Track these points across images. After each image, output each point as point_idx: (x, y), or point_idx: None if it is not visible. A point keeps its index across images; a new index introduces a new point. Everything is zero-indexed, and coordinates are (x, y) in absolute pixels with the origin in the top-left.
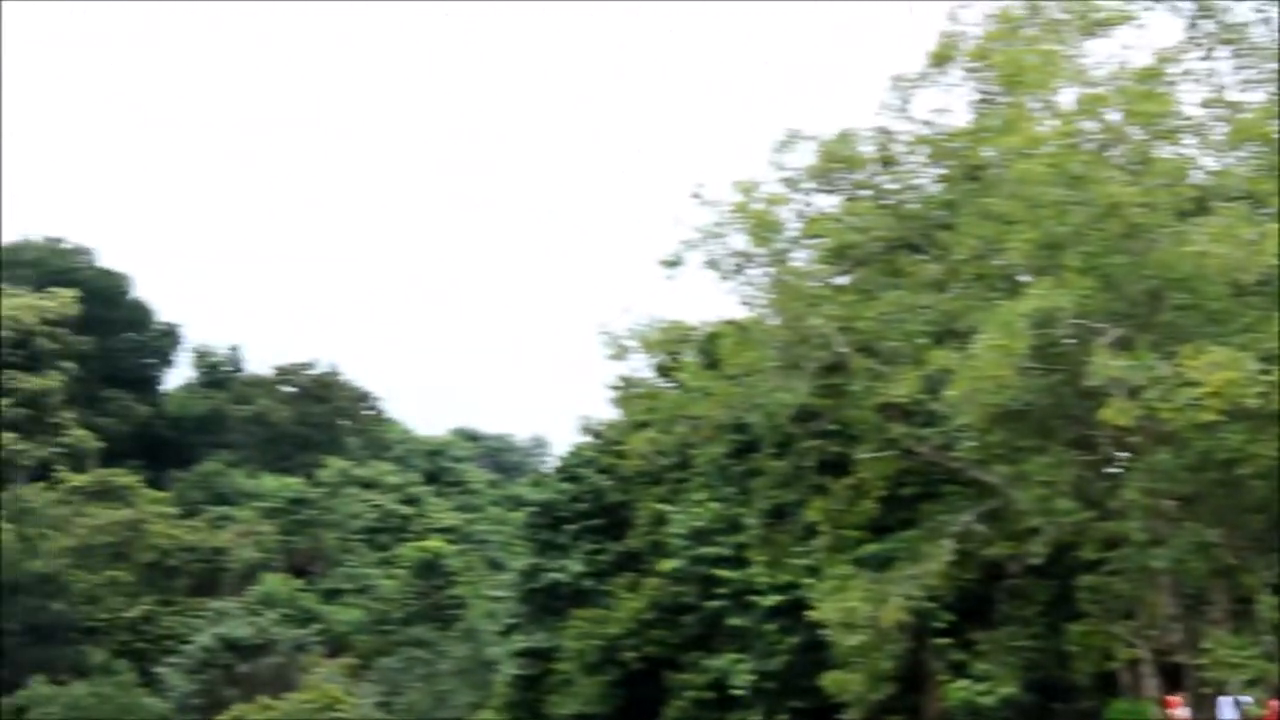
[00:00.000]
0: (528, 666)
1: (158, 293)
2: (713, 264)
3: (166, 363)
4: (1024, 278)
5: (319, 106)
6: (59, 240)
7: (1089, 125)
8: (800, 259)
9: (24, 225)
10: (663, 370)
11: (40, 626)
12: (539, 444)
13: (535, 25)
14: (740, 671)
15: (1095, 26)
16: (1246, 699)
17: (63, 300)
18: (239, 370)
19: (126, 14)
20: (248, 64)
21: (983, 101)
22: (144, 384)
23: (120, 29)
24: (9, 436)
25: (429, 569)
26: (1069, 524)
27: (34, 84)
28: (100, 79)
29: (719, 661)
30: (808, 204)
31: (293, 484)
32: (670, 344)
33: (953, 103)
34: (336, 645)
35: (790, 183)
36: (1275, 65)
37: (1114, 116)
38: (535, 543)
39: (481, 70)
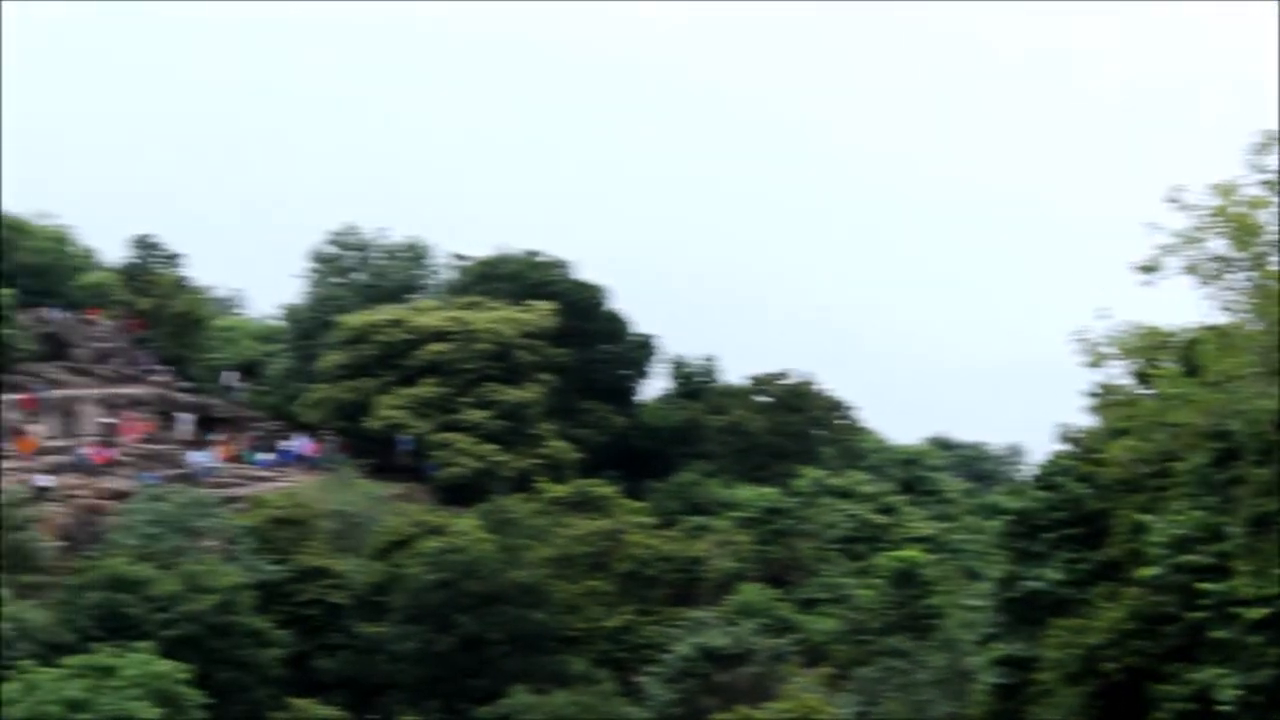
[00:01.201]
0: (1006, 676)
1: (633, 305)
2: (1191, 269)
3: (642, 374)
4: None
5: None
6: (537, 254)
7: None
8: None
9: (502, 239)
10: (1141, 377)
11: (522, 636)
12: (1014, 452)
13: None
14: (1225, 685)
15: None
16: None
17: (541, 313)
18: (714, 381)
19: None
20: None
21: None
22: (621, 395)
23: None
24: (490, 448)
25: (906, 578)
26: None
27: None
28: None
29: (1202, 674)
30: None
31: (768, 494)
32: (1148, 350)
33: None
34: (814, 655)
35: (1270, 185)
36: None
37: None
38: (1012, 551)
39: (941, 70)
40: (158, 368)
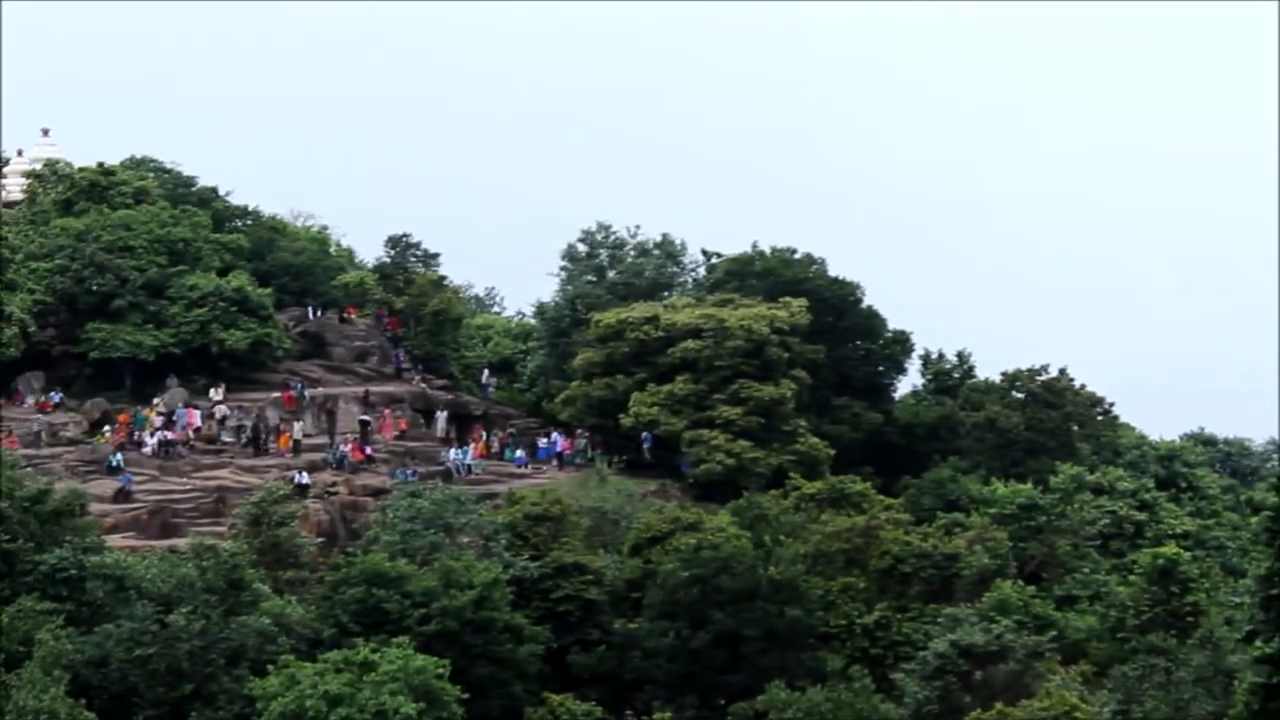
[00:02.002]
0: (1270, 675)
1: (887, 301)
2: None
3: (897, 370)
4: None
5: None
6: (790, 251)
7: None
8: None
9: (755, 236)
10: None
11: (777, 632)
12: (1277, 448)
13: None
14: None
15: None
16: None
17: (794, 310)
18: (969, 377)
19: None
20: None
21: None
22: (874, 392)
23: None
24: (744, 445)
25: (1165, 575)
26: None
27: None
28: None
29: None
30: None
31: (1024, 490)
32: None
33: None
34: (1071, 652)
35: None
36: None
37: None
38: (1274, 548)
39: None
40: (414, 366)
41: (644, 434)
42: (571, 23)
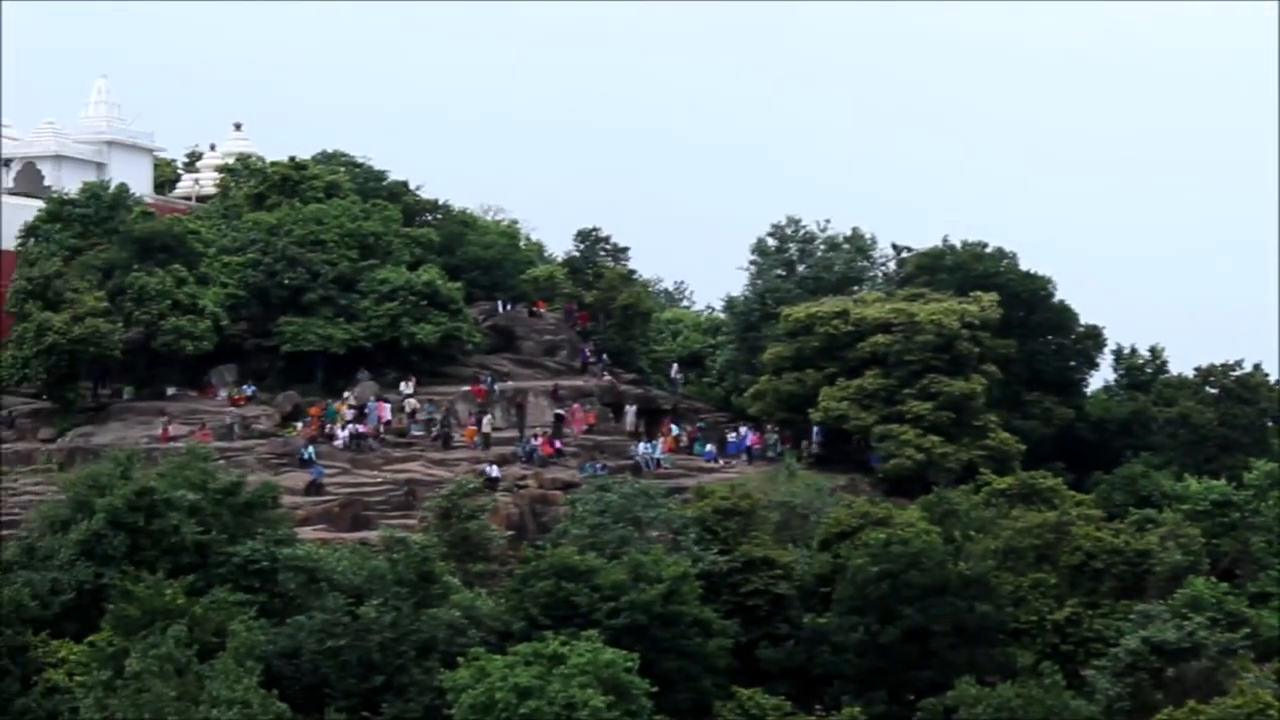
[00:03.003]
0: None
1: (1079, 295)
2: None
3: (1089, 365)
4: None
5: None
6: (980, 245)
7: None
8: None
9: (945, 230)
10: None
11: (967, 628)
12: None
13: None
14: None
15: None
16: None
17: (984, 304)
18: (1161, 371)
19: None
20: None
21: None
22: (1066, 387)
23: None
24: (934, 440)
25: None
26: None
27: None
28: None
29: None
30: None
31: (1218, 486)
32: None
33: None
34: (1265, 650)
35: None
36: None
37: None
38: None
39: None
40: (603, 360)
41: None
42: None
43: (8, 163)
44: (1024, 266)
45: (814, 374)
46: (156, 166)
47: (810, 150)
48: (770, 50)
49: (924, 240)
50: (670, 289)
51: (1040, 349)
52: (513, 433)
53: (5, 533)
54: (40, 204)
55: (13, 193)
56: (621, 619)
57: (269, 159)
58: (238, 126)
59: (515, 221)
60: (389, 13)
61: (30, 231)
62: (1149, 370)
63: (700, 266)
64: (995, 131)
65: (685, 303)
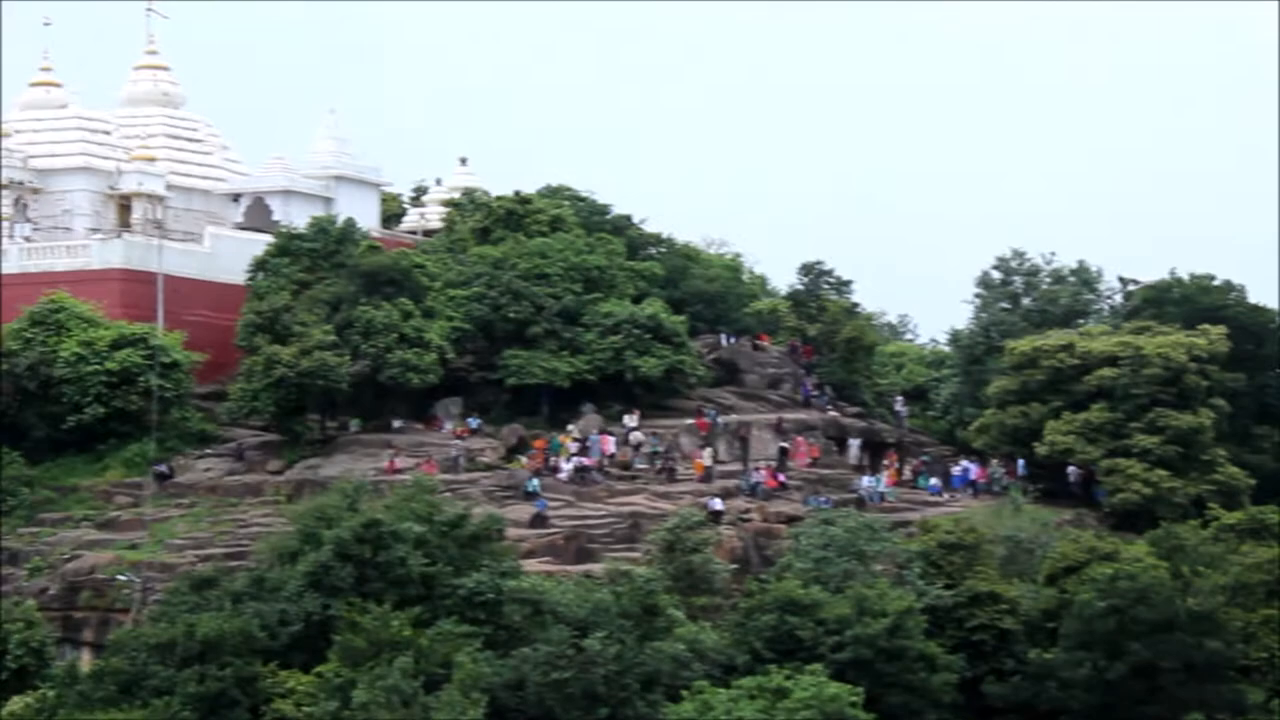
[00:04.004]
0: None
1: None
2: None
3: None
4: None
5: None
6: (1208, 277)
7: None
8: None
9: (1172, 262)
10: None
11: (1196, 664)
12: None
13: None
14: None
15: None
16: None
17: (1212, 337)
18: None
19: None
20: None
21: None
22: None
23: None
24: (1161, 474)
25: None
26: None
27: None
28: None
29: None
30: None
31: None
32: None
33: None
34: None
35: None
36: None
37: None
38: None
39: None
40: (826, 393)
41: (1070, 467)
42: (988, 50)
43: (237, 198)
44: (1252, 299)
45: (1039, 407)
46: (383, 201)
47: (1034, 182)
48: (994, 84)
49: (1151, 273)
50: (894, 322)
51: (1269, 382)
52: (736, 466)
53: (234, 564)
54: (269, 239)
55: (242, 227)
56: (846, 653)
57: (494, 193)
58: (463, 161)
59: (739, 255)
60: (615, 48)
61: (259, 266)
62: None
63: (924, 300)
64: (1219, 164)
65: (909, 336)
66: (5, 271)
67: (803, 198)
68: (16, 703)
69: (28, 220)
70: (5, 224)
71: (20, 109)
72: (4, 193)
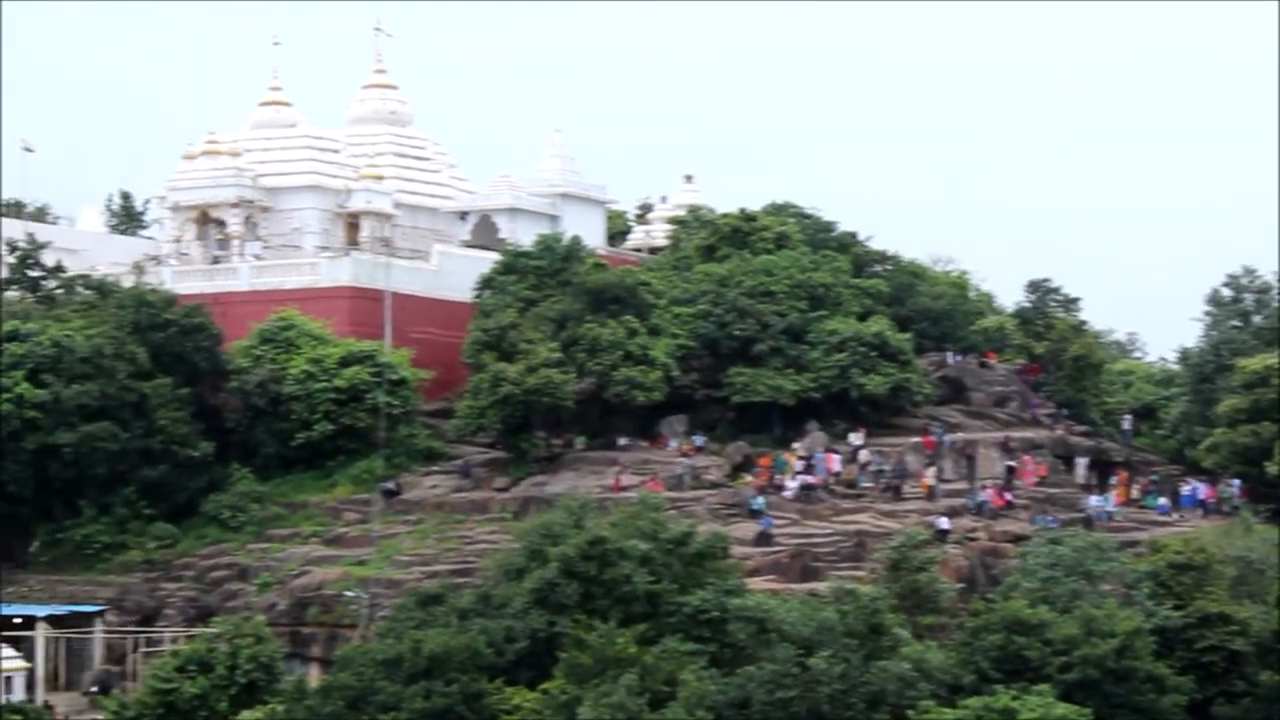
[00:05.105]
0: None
1: None
2: None
3: None
4: None
5: None
6: None
7: None
8: None
9: None
10: None
11: None
12: None
13: None
14: None
15: None
16: None
17: None
18: None
19: None
20: None
21: None
22: None
23: None
24: None
25: None
26: None
27: None
28: None
29: None
30: None
31: None
32: None
33: None
34: None
35: None
36: None
37: None
38: None
39: None
40: (1053, 411)
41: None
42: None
43: (464, 215)
44: None
45: (1270, 427)
46: (608, 218)
47: (1267, 197)
48: (1226, 98)
49: None
50: (1122, 340)
51: None
52: (963, 484)
53: (460, 580)
54: (495, 256)
55: (469, 245)
56: (1073, 674)
57: (719, 210)
58: (688, 179)
59: (966, 272)
60: (843, 63)
61: (486, 283)
62: None
63: (1153, 317)
64: None
65: (1137, 354)
66: (236, 289)
67: (1030, 214)
68: (246, 717)
69: (258, 239)
70: (236, 242)
71: (251, 128)
72: (235, 211)
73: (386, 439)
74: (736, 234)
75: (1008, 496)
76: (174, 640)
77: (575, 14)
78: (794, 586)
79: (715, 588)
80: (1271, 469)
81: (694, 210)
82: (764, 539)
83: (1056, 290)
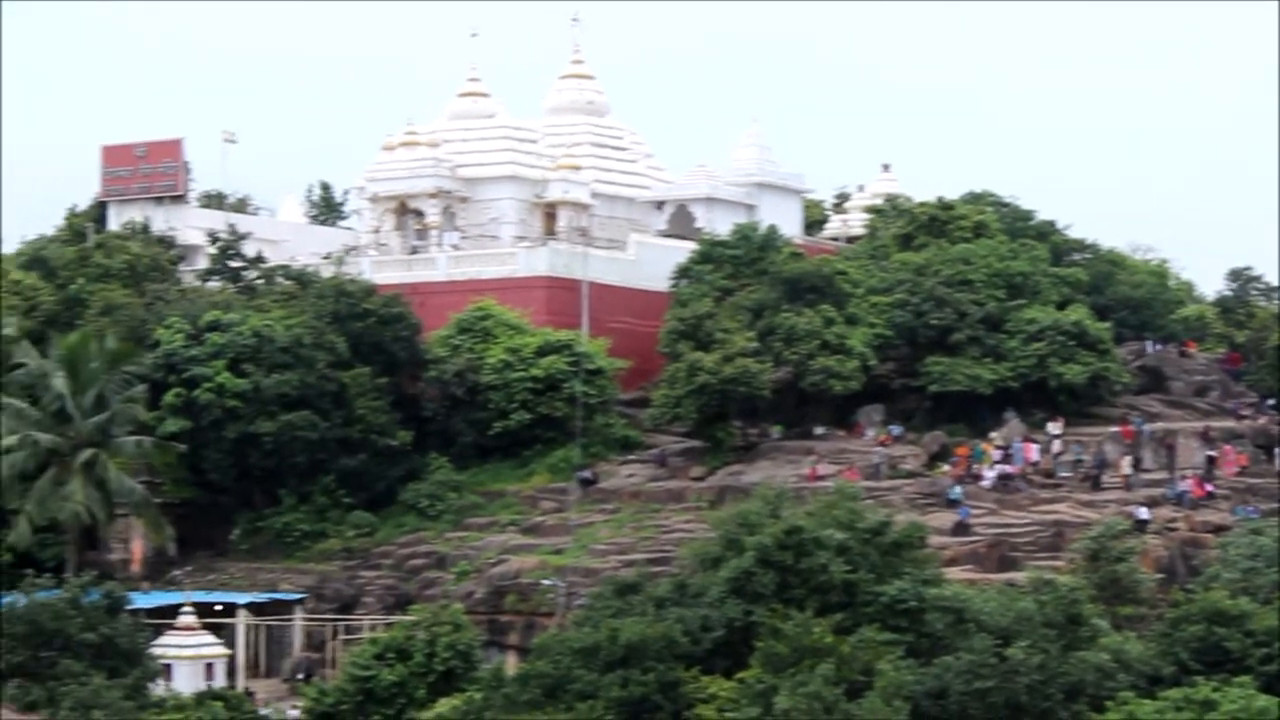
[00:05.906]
0: None
1: None
2: None
3: None
4: None
5: None
6: None
7: None
8: None
9: None
10: None
11: None
12: None
13: None
14: None
15: None
16: None
17: None
18: None
19: None
20: None
21: None
22: None
23: None
24: None
25: None
26: None
27: None
28: None
29: None
30: None
31: None
32: None
33: None
34: None
35: None
36: None
37: None
38: None
39: None
40: (1255, 401)
41: None
42: None
43: (661, 205)
44: None
45: None
46: (805, 208)
47: None
48: None
49: None
50: None
51: None
52: (1162, 474)
53: (657, 569)
54: (692, 245)
55: (665, 234)
56: (1275, 666)
57: (916, 199)
58: (886, 168)
59: (1165, 261)
60: (1043, 53)
61: (682, 273)
62: None
63: None
64: None
65: None
66: (433, 279)
67: (1231, 202)
68: (444, 705)
69: (456, 229)
70: (434, 232)
71: (449, 119)
72: (433, 202)
73: (583, 428)
74: (934, 223)
75: (1208, 487)
76: (372, 628)
77: (772, 4)
78: (991, 576)
79: (912, 577)
80: None
81: (891, 199)
82: (961, 529)
83: (1258, 279)
